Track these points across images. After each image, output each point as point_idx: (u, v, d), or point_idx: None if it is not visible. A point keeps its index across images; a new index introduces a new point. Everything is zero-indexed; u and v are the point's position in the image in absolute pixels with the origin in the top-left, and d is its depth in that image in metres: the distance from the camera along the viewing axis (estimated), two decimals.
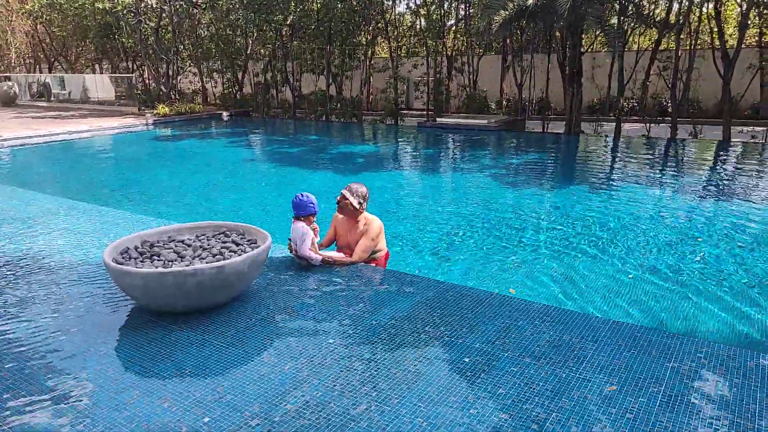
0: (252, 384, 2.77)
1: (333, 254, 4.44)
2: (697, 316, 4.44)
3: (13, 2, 26.96)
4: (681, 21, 14.32)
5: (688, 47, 14.56)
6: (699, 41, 15.00)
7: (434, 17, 19.37)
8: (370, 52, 20.43)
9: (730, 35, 18.31)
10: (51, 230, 5.53)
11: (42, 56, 30.16)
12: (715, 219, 7.04)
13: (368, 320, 3.45)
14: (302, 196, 4.24)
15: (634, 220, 6.98)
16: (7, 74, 28.62)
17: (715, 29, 13.52)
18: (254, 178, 10.73)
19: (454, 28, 20.36)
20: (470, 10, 19.11)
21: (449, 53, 19.53)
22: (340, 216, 4.48)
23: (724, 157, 11.85)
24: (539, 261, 5.63)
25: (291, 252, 4.36)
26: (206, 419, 2.50)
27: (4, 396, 2.71)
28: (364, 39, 20.40)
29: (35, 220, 5.91)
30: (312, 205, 4.23)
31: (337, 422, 2.46)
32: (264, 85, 21.82)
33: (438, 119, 17.48)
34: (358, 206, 4.30)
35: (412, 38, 21.77)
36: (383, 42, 21.58)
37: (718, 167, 10.98)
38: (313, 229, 4.34)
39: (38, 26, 27.45)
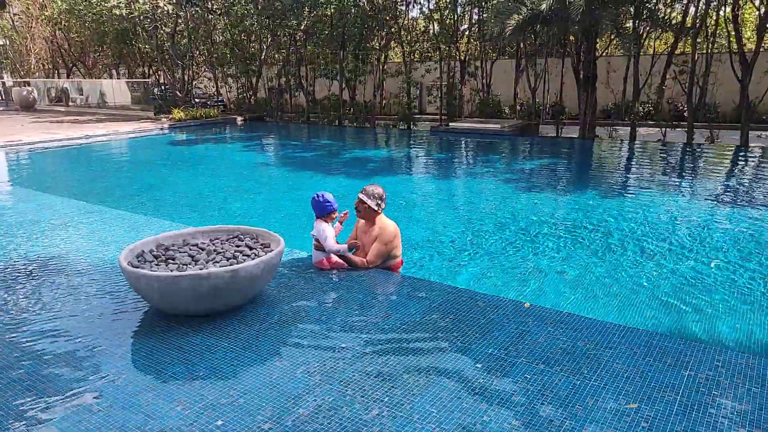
0: (264, 388, 2.78)
1: (351, 255, 4.45)
2: (714, 324, 4.37)
3: (33, 9, 27.45)
4: (698, 24, 14.17)
5: (704, 51, 14.40)
6: (716, 45, 14.82)
7: (447, 22, 19.38)
8: (383, 56, 20.48)
9: (748, 39, 18.08)
10: (67, 233, 5.60)
11: (60, 62, 30.63)
12: (732, 226, 6.93)
13: (381, 325, 3.45)
14: (318, 196, 4.28)
15: (648, 226, 6.90)
16: (27, 79, 29.13)
17: (733, 33, 13.36)
18: (268, 182, 10.79)
19: (467, 32, 20.35)
20: (483, 15, 19.09)
21: (462, 58, 19.52)
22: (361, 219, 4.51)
23: (743, 163, 11.69)
24: (553, 267, 5.59)
25: (315, 249, 4.37)
26: (219, 422, 2.51)
27: (22, 397, 2.75)
28: (377, 44, 20.47)
29: (52, 223, 6.00)
30: (329, 203, 4.26)
31: (350, 427, 2.46)
32: (278, 90, 21.98)
33: (451, 124, 17.48)
34: (376, 207, 4.30)
35: (425, 43, 21.78)
36: (396, 47, 21.62)
37: (735, 173, 10.83)
38: (336, 229, 4.37)
39: (57, 32, 27.93)
